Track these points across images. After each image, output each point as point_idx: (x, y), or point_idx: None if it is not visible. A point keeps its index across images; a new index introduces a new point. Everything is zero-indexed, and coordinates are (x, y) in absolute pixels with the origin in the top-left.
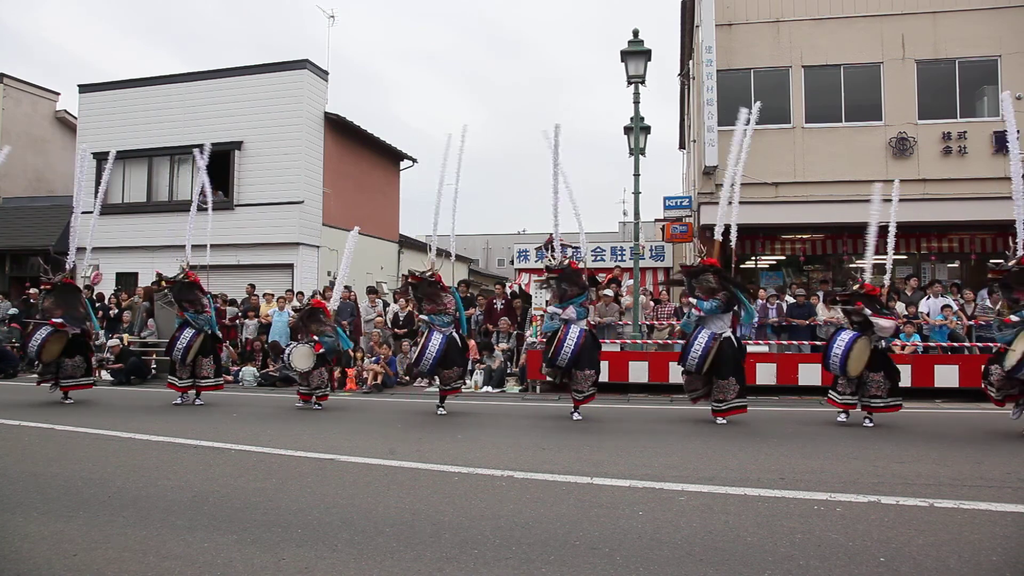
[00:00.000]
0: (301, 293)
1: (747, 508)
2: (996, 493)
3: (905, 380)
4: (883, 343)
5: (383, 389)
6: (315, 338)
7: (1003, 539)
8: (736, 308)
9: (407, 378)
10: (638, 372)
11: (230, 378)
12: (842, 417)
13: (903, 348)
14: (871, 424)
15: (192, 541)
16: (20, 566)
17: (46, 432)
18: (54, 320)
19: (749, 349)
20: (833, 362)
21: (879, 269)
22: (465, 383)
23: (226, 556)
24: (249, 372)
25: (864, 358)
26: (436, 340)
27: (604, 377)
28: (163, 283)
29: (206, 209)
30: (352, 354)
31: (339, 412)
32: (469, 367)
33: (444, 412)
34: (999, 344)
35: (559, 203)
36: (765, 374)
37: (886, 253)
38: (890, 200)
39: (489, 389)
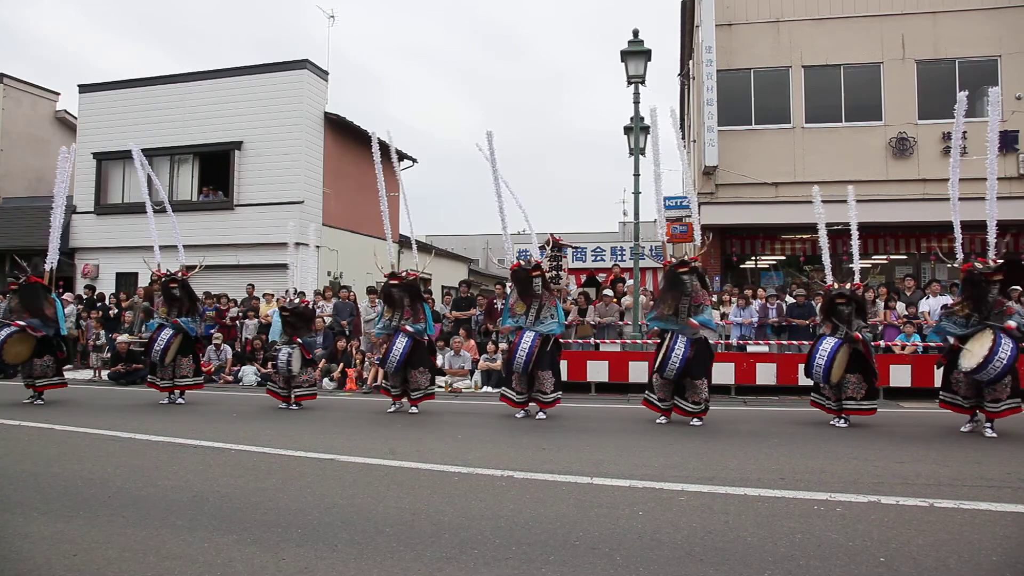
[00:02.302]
0: (303, 293)
1: (747, 508)
2: (996, 493)
3: (905, 380)
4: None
5: None
6: (298, 341)
7: (1003, 539)
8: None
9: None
10: (638, 372)
11: (229, 378)
12: (836, 422)
13: (903, 348)
14: (845, 425)
15: (192, 541)
16: (20, 566)
17: (46, 432)
18: (18, 322)
19: (749, 349)
20: (816, 371)
21: (864, 273)
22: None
23: (226, 556)
24: (249, 372)
25: (844, 363)
26: (402, 341)
27: (604, 377)
28: (155, 283)
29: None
30: (352, 353)
31: (339, 412)
32: (469, 367)
33: (416, 411)
34: (950, 340)
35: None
36: (765, 374)
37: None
38: (887, 200)
39: (489, 389)
